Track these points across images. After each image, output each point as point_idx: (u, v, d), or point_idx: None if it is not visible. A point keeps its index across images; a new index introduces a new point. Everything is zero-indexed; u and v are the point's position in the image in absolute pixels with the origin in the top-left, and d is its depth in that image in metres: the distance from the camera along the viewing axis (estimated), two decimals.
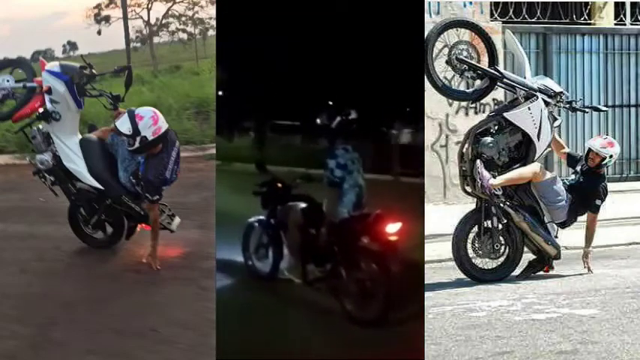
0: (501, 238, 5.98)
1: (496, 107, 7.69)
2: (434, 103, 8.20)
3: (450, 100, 8.18)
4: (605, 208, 6.40)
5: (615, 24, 9.77)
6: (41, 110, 5.75)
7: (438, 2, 8.60)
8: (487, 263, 6.04)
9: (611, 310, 5.02)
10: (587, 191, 6.26)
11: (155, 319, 4.68)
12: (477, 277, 5.96)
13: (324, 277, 4.95)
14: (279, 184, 5.51)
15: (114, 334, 4.48)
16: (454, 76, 6.12)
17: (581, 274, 6.22)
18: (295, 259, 5.24)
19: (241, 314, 4.61)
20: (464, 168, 5.99)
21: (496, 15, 9.02)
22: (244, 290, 5.28)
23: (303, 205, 5.30)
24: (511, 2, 9.19)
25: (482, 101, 7.66)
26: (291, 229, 5.27)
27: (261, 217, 5.56)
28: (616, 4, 9.79)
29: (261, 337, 4.27)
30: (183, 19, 22.19)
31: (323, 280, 4.97)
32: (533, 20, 9.31)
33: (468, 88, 6.52)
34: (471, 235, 5.96)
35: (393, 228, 4.55)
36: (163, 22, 22.34)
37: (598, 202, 6.26)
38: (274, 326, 4.47)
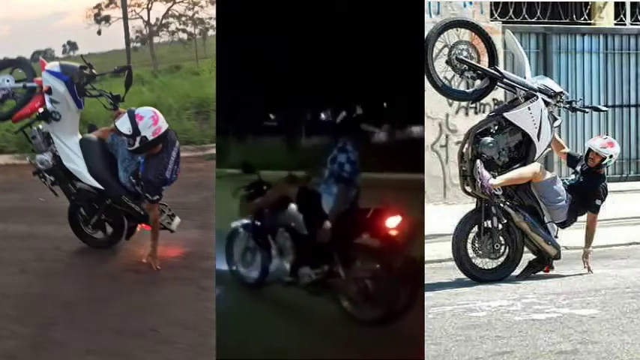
0: (501, 238, 5.99)
1: (496, 107, 7.69)
2: (434, 103, 8.20)
3: (450, 100, 8.18)
4: (605, 208, 6.40)
5: (615, 24, 9.77)
6: (41, 110, 5.75)
7: (438, 2, 8.61)
8: (487, 263, 6.04)
9: (611, 310, 5.02)
10: (587, 191, 6.26)
11: (155, 319, 4.67)
12: (477, 277, 5.96)
13: (322, 278, 4.73)
14: (265, 187, 5.20)
15: (114, 334, 4.48)
16: (454, 76, 6.12)
17: (581, 274, 6.22)
18: (288, 263, 4.92)
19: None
20: (464, 168, 5.99)
21: (496, 15, 9.03)
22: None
23: (294, 205, 4.95)
24: (511, 2, 9.19)
25: (482, 101, 7.66)
26: (281, 231, 4.97)
27: (246, 221, 5.24)
28: (616, 4, 9.79)
29: (259, 339, 4.27)
30: (183, 19, 22.18)
31: (320, 283, 4.72)
32: (533, 20, 9.31)
33: (468, 88, 6.52)
34: (471, 235, 5.97)
35: (392, 222, 4.38)
36: (163, 22, 22.34)
37: (598, 202, 6.27)
38: (272, 328, 4.47)
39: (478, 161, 5.85)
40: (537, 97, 6.02)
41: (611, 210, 6.96)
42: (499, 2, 9.13)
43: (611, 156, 6.26)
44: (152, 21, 21.90)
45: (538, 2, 9.34)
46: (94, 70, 5.93)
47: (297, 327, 4.50)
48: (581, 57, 9.57)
